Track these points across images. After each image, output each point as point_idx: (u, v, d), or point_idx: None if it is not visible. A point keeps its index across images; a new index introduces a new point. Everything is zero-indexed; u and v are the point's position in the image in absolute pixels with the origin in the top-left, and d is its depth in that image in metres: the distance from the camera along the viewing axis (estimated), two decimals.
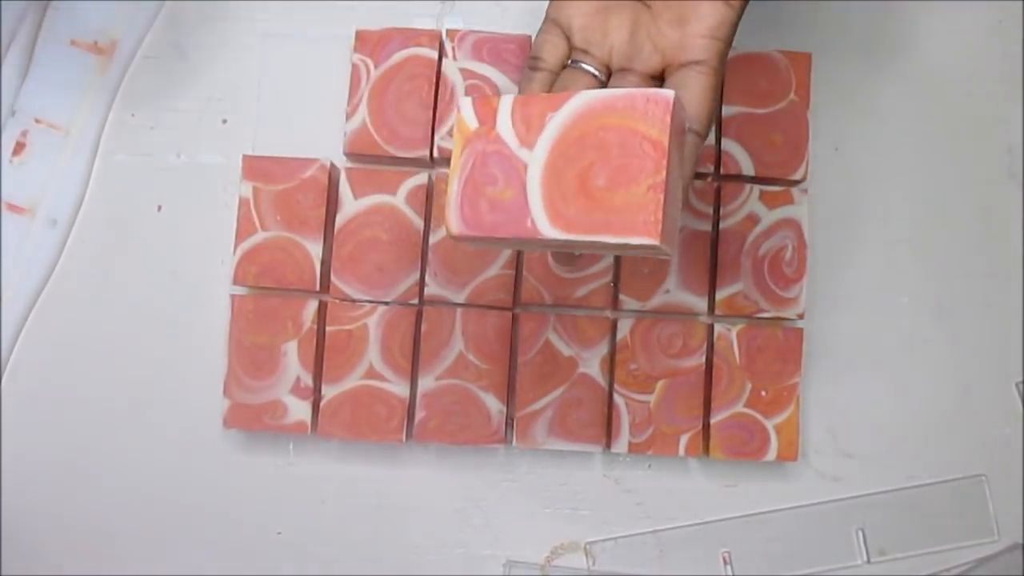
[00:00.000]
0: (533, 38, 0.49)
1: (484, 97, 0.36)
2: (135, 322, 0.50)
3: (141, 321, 0.50)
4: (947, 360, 0.51)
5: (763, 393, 0.48)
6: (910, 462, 0.50)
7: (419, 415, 0.48)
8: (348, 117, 0.49)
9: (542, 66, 0.40)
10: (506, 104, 0.35)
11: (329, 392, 0.48)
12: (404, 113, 0.48)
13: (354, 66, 0.49)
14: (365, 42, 0.49)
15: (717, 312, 0.49)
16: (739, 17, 0.37)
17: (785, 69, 0.49)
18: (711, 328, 0.49)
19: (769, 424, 0.48)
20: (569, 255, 0.40)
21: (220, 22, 0.52)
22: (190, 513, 0.50)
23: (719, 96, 0.37)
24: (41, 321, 0.50)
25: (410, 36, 0.49)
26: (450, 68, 0.49)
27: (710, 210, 0.49)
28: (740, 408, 0.48)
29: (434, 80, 0.49)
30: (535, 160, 0.35)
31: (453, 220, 0.35)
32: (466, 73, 0.49)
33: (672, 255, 0.36)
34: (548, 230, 0.34)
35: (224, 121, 0.51)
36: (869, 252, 0.51)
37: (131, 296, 0.51)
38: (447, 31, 0.49)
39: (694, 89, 0.36)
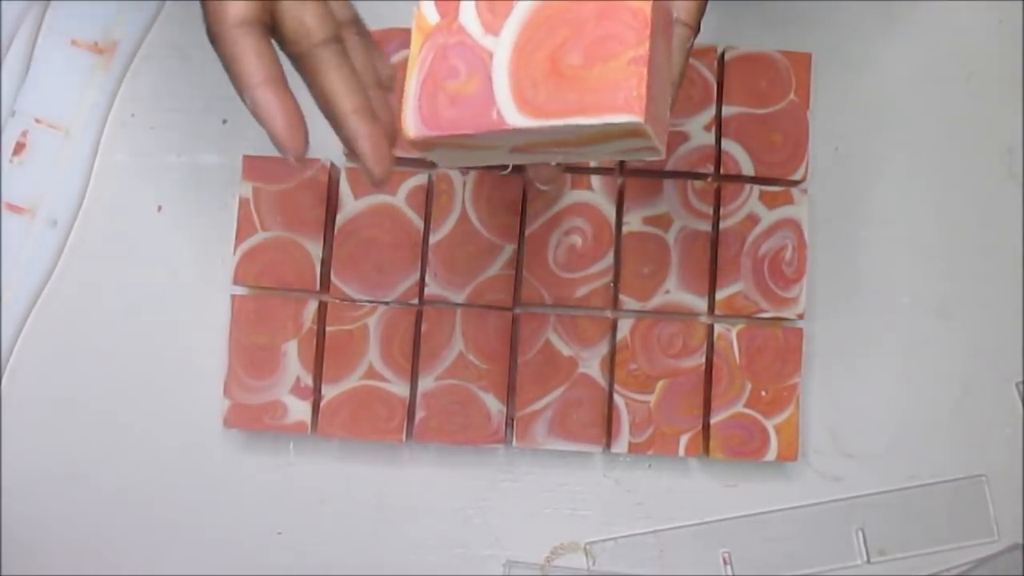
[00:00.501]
0: None
1: None
2: (135, 322, 0.50)
3: (141, 321, 0.50)
4: (947, 360, 0.51)
5: (763, 393, 0.48)
6: (910, 462, 0.50)
7: (419, 415, 0.48)
8: None
9: None
10: None
11: (329, 392, 0.48)
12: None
13: None
14: None
15: (717, 312, 0.49)
16: None
17: (785, 69, 0.49)
18: (711, 328, 0.49)
19: (769, 424, 0.48)
20: (547, 168, 0.37)
21: None
22: (190, 513, 0.50)
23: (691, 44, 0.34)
24: (41, 321, 0.50)
25: (410, 36, 0.49)
26: None
27: (710, 210, 0.49)
28: (740, 408, 0.48)
29: None
30: (501, 45, 0.31)
31: (410, 121, 0.32)
32: None
33: (662, 151, 0.31)
34: (516, 118, 0.30)
35: (224, 121, 0.51)
36: (869, 252, 0.51)
37: (131, 296, 0.51)
38: None
39: (672, 40, 0.33)
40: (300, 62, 0.33)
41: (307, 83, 0.33)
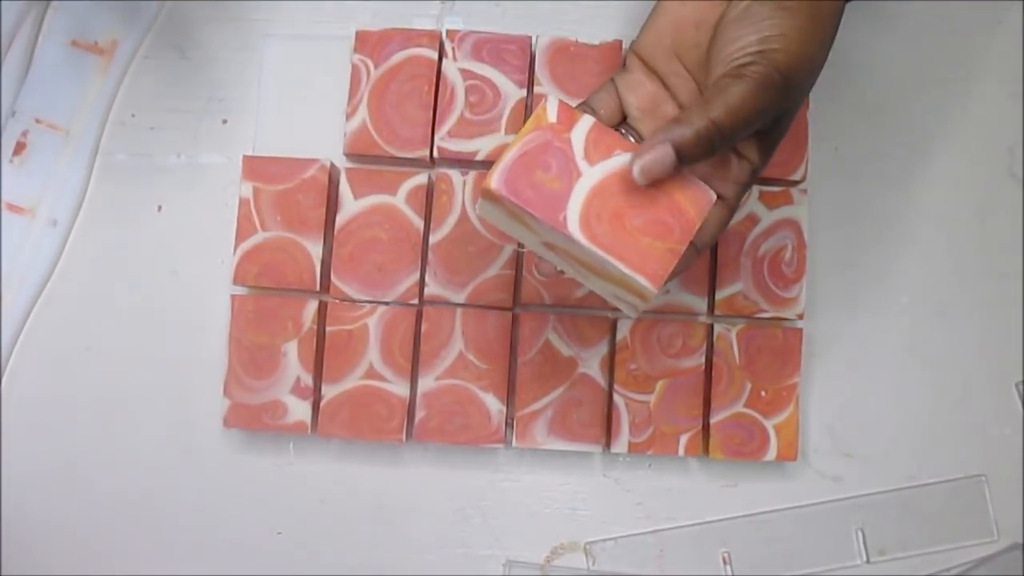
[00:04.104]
0: (534, 40, 0.49)
1: (570, 107, 0.39)
2: (135, 322, 0.50)
3: (141, 321, 0.50)
4: (947, 360, 0.51)
5: (763, 393, 0.48)
6: (910, 462, 0.50)
7: (419, 415, 0.48)
8: (348, 117, 0.49)
9: (597, 117, 0.42)
10: (586, 122, 0.38)
11: (329, 392, 0.48)
12: (404, 113, 0.48)
13: (354, 66, 0.49)
14: (365, 42, 0.49)
15: (717, 312, 0.49)
16: (756, 173, 0.40)
17: None
18: (711, 328, 0.49)
19: (769, 424, 0.48)
20: (550, 266, 0.42)
21: (220, 22, 0.52)
22: (190, 513, 0.50)
23: (726, 227, 0.41)
24: (41, 321, 0.50)
25: (410, 36, 0.49)
26: (450, 68, 0.49)
27: None
28: (740, 408, 0.48)
29: (434, 80, 0.49)
30: (590, 175, 0.38)
31: (496, 176, 0.37)
32: (466, 74, 0.49)
33: (639, 310, 0.39)
34: (575, 230, 0.37)
35: (224, 121, 0.51)
36: (869, 252, 0.51)
37: (131, 296, 0.51)
38: (447, 31, 0.49)
39: (712, 216, 0.40)
40: None
41: None
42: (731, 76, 0.37)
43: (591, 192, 0.37)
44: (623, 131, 0.42)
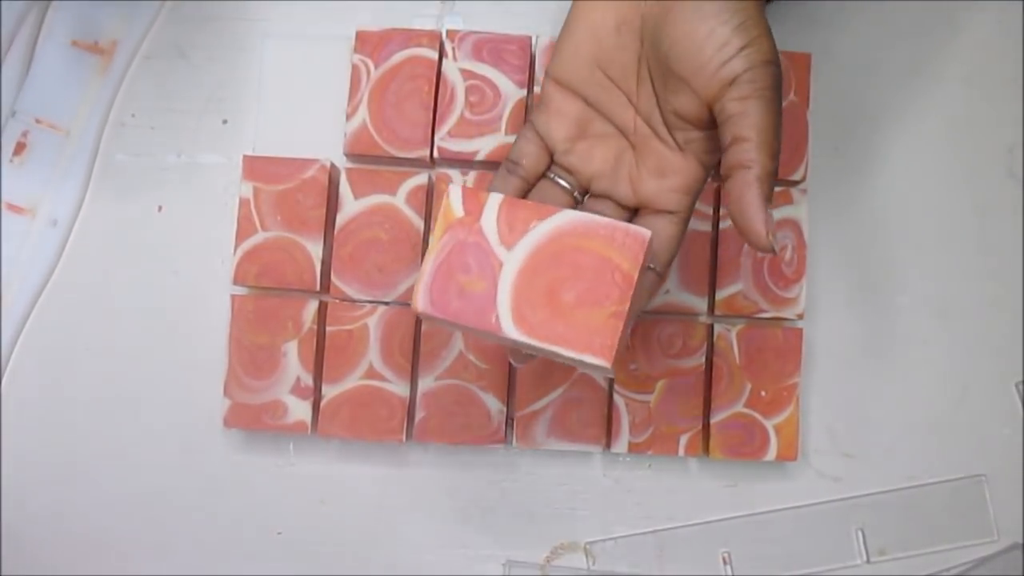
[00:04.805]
0: (533, 40, 0.49)
1: (473, 191, 0.37)
2: (135, 322, 0.50)
3: (141, 321, 0.50)
4: (947, 360, 0.51)
5: (763, 393, 0.48)
6: (910, 462, 0.50)
7: (419, 415, 0.48)
8: (348, 117, 0.49)
9: (520, 173, 0.41)
10: (494, 202, 0.37)
11: (329, 392, 0.48)
12: (404, 113, 0.48)
13: (354, 66, 0.49)
14: (365, 42, 0.49)
15: (717, 312, 0.49)
16: (709, 175, 0.39)
17: (785, 69, 0.49)
18: (711, 328, 0.49)
19: (769, 424, 0.48)
20: (523, 354, 0.41)
21: (220, 22, 0.52)
22: (190, 513, 0.50)
23: (681, 242, 0.40)
24: (41, 321, 0.51)
25: (410, 36, 0.49)
26: (450, 69, 0.49)
27: (710, 210, 0.49)
28: (740, 408, 0.48)
29: (434, 81, 0.49)
30: (511, 261, 0.36)
31: (421, 298, 0.37)
32: (466, 74, 0.49)
33: (614, 375, 0.39)
34: (510, 329, 0.36)
35: (224, 121, 0.51)
36: (869, 252, 0.51)
37: (131, 296, 0.51)
38: (447, 32, 0.49)
39: (663, 235, 0.39)
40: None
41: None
42: (739, 98, 0.35)
43: (517, 280, 0.36)
44: (552, 176, 0.41)
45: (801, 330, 0.49)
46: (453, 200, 0.37)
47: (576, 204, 0.41)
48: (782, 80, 0.36)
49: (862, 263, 0.51)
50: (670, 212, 0.39)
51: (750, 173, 0.35)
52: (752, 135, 0.35)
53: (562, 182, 0.41)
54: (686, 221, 0.39)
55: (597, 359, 0.35)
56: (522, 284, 0.36)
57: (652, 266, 0.39)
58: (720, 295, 0.48)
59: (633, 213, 0.40)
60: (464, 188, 0.37)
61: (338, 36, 0.51)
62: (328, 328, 0.48)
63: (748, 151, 0.35)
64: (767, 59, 0.36)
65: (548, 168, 0.41)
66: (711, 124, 0.38)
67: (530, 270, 0.36)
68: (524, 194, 0.41)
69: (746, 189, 0.35)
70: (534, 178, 0.41)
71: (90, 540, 0.50)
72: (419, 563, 0.50)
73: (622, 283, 0.35)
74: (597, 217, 0.36)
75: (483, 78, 0.49)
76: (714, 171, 0.49)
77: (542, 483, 0.50)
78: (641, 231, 0.35)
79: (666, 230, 0.39)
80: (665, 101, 0.38)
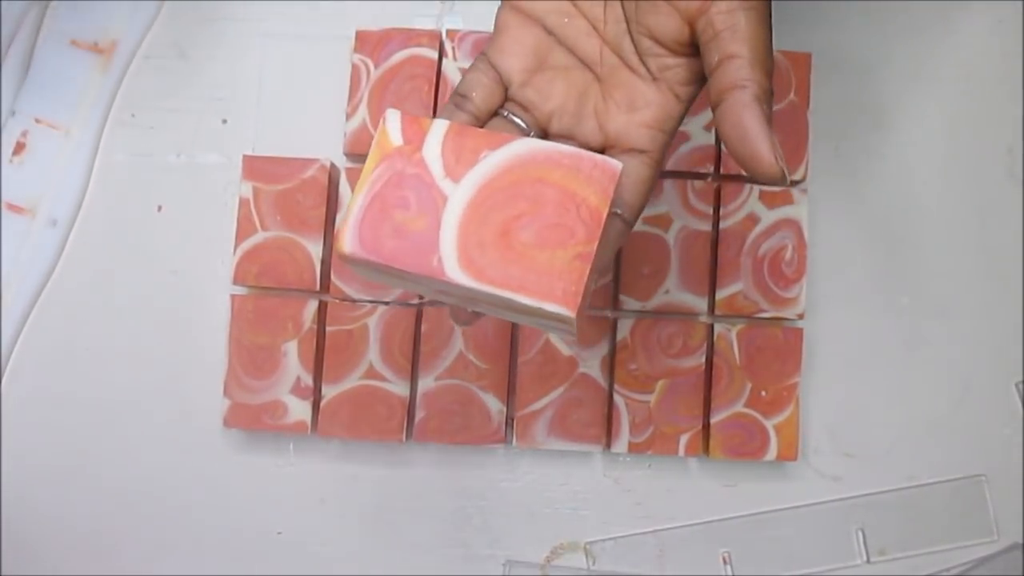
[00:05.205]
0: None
1: (414, 117, 0.32)
2: (135, 322, 0.50)
3: (141, 321, 0.50)
4: (947, 360, 0.51)
5: (763, 393, 0.48)
6: (910, 462, 0.50)
7: (419, 415, 0.48)
8: (348, 117, 0.49)
9: (468, 108, 0.36)
10: (439, 128, 0.32)
11: (329, 392, 0.48)
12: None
13: (354, 66, 0.49)
14: (365, 42, 0.49)
15: (717, 312, 0.49)
16: (686, 111, 0.35)
17: (785, 69, 0.49)
18: (711, 328, 0.49)
19: (769, 424, 0.48)
20: (467, 312, 0.37)
21: (220, 22, 0.52)
22: (190, 513, 0.50)
23: (653, 187, 0.35)
24: (41, 321, 0.50)
25: (410, 36, 0.49)
26: (450, 68, 0.49)
27: (710, 210, 0.49)
28: (740, 408, 0.48)
29: (434, 80, 0.49)
30: (458, 195, 0.31)
31: (348, 237, 0.31)
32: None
33: (575, 335, 0.33)
34: (456, 273, 0.31)
35: (224, 121, 0.51)
36: (869, 252, 0.51)
37: (131, 296, 0.51)
38: (447, 31, 0.49)
39: (632, 177, 0.34)
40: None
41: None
42: (726, 11, 0.32)
43: (464, 216, 0.31)
44: (505, 113, 0.36)
45: (801, 330, 0.49)
46: (390, 126, 0.32)
47: None
48: None
49: (862, 263, 0.51)
50: (641, 151, 0.34)
51: (746, 93, 0.31)
52: (744, 51, 0.31)
53: (517, 120, 0.36)
54: (659, 163, 0.35)
55: (559, 307, 0.30)
56: (470, 221, 0.31)
57: (619, 211, 0.34)
58: (720, 295, 0.48)
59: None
60: (404, 114, 0.32)
61: (338, 36, 0.51)
62: (328, 328, 0.48)
63: (741, 68, 0.31)
64: None
65: (502, 105, 0.36)
66: (690, 48, 0.33)
67: (480, 205, 0.31)
68: None
69: (744, 111, 0.31)
70: (485, 115, 0.36)
71: (90, 540, 0.50)
72: (419, 563, 0.50)
73: (589, 220, 0.31)
74: (560, 145, 0.32)
75: None
76: (714, 172, 0.49)
77: (542, 483, 0.50)
78: (611, 161, 0.31)
79: (636, 171, 0.34)
80: (637, 23, 0.34)
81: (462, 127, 0.32)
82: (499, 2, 0.38)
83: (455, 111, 0.36)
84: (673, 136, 0.35)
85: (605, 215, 0.31)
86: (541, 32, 0.36)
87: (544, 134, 0.36)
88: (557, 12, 0.35)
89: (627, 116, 0.35)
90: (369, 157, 0.32)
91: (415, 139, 0.32)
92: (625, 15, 0.35)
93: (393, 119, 0.32)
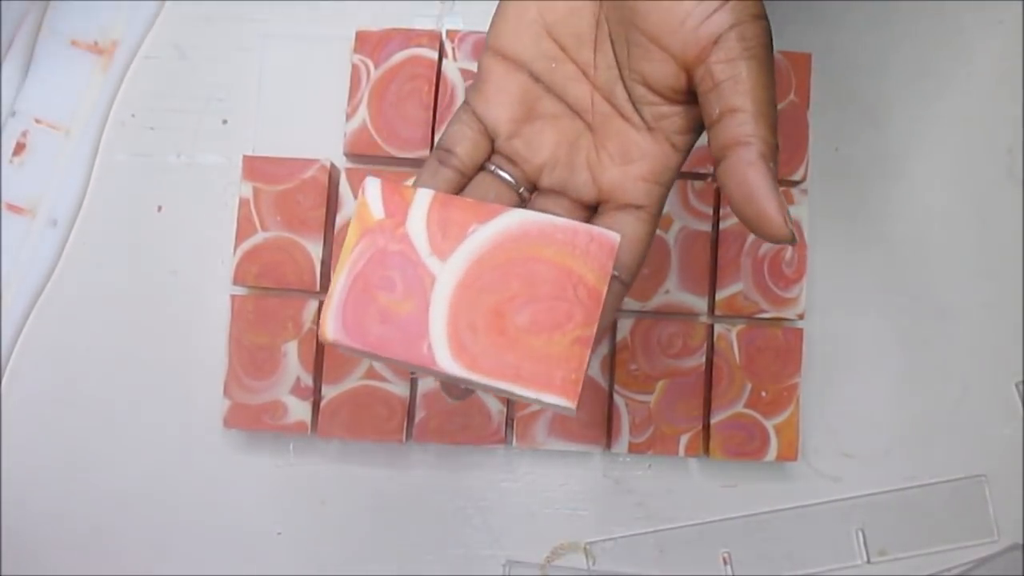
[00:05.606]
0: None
1: (395, 185, 0.30)
2: (135, 322, 0.50)
3: (141, 321, 0.50)
4: (947, 360, 0.51)
5: (763, 393, 0.48)
6: (910, 462, 0.50)
7: (419, 415, 0.48)
8: (348, 117, 0.49)
9: (454, 163, 0.34)
10: (423, 200, 0.30)
11: (329, 392, 0.48)
12: (404, 114, 0.48)
13: (354, 67, 0.49)
14: (365, 43, 0.49)
15: (717, 312, 0.49)
16: (684, 161, 0.33)
17: (785, 69, 0.49)
18: (711, 328, 0.49)
19: (769, 424, 0.48)
20: (459, 388, 0.35)
21: (220, 22, 0.52)
22: (190, 513, 0.50)
23: (651, 243, 0.33)
24: (41, 321, 0.50)
25: (410, 37, 0.49)
26: (450, 69, 0.49)
27: (710, 210, 0.49)
28: (740, 408, 0.48)
29: (434, 81, 0.49)
30: (446, 275, 0.29)
31: (331, 323, 0.29)
32: (466, 74, 0.49)
33: (575, 414, 0.30)
34: (447, 363, 0.29)
35: (224, 121, 0.51)
36: (869, 252, 0.51)
37: (131, 296, 0.51)
38: (447, 32, 0.49)
39: (629, 235, 0.32)
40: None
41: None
42: (726, 60, 0.30)
43: (454, 299, 0.29)
44: (492, 167, 0.34)
45: (801, 330, 0.49)
46: (371, 197, 0.30)
47: (522, 202, 0.34)
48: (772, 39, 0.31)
49: (862, 263, 0.51)
50: (637, 207, 0.32)
51: (751, 151, 0.29)
52: (747, 104, 0.29)
53: (504, 175, 0.34)
54: (656, 218, 0.33)
55: (558, 398, 0.28)
56: (460, 304, 0.29)
57: (616, 273, 0.32)
58: (720, 295, 0.48)
59: (592, 213, 0.34)
60: (384, 182, 0.30)
61: (338, 36, 0.51)
62: None
63: (744, 124, 0.29)
64: (757, 13, 0.30)
65: (488, 158, 0.34)
66: (687, 96, 0.31)
67: (470, 286, 0.29)
68: (459, 190, 0.34)
69: (749, 170, 0.29)
70: (471, 170, 0.34)
71: (90, 540, 0.50)
72: (419, 563, 0.50)
73: (587, 300, 0.29)
74: (553, 217, 0.30)
75: None
76: (714, 173, 0.49)
77: (542, 483, 0.50)
78: (608, 234, 0.29)
79: (633, 229, 0.32)
80: (630, 70, 0.32)
81: (447, 197, 0.30)
82: (498, 1, 0.37)
83: (439, 167, 0.34)
84: (669, 188, 0.33)
85: (604, 294, 0.29)
86: (527, 79, 0.34)
87: (534, 188, 0.35)
88: (543, 57, 0.33)
89: (622, 168, 0.33)
90: (350, 231, 0.30)
91: (398, 212, 0.30)
92: (617, 61, 0.33)
93: (373, 189, 0.30)
